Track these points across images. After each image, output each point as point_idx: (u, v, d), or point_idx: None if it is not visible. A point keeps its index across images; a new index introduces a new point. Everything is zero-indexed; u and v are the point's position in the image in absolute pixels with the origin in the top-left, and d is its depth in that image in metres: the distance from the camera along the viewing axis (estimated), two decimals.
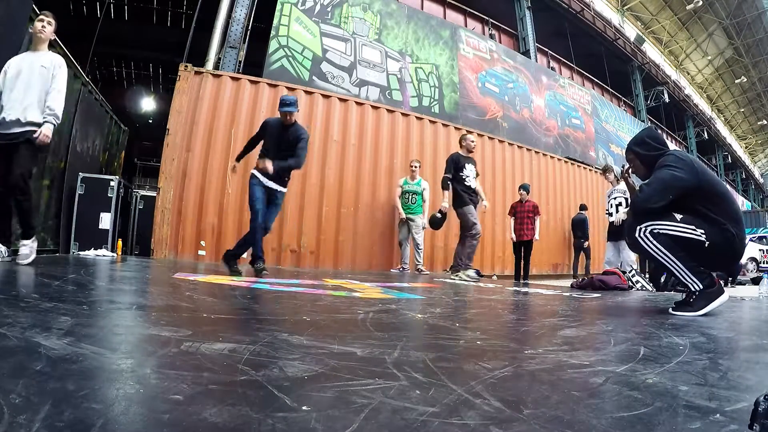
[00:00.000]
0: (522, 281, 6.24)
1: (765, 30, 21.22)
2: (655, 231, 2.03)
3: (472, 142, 5.06)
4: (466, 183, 4.86)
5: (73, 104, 5.06)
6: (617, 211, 5.08)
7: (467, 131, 5.34)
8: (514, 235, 6.73)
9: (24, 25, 3.67)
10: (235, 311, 1.83)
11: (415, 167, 6.06)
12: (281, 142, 3.63)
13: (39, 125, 2.83)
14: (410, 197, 5.98)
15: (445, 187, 4.86)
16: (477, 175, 5.04)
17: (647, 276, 4.54)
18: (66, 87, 3.04)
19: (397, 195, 6.05)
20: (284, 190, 3.76)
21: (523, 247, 6.78)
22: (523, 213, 6.65)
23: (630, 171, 2.35)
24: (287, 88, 6.18)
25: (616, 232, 5.04)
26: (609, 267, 4.84)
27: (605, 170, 5.68)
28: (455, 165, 4.88)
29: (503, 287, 3.95)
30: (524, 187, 6.77)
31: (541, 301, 2.93)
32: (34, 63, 2.92)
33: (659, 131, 2.43)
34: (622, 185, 4.99)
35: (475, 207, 4.90)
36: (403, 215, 5.93)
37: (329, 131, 6.28)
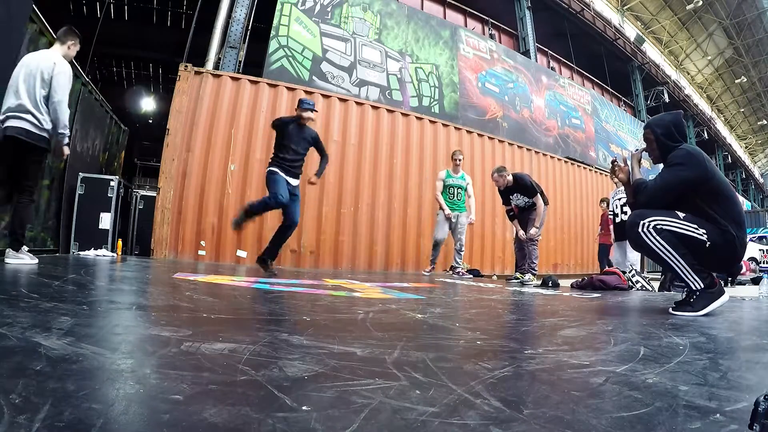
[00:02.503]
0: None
1: (765, 30, 21.22)
2: (658, 227, 2.01)
3: (499, 178, 4.86)
4: (514, 212, 5.02)
5: (74, 104, 5.06)
6: (622, 212, 5.07)
7: (496, 167, 5.08)
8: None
9: (24, 25, 3.67)
10: (235, 311, 1.83)
11: (459, 160, 5.42)
12: (300, 140, 3.93)
13: None
14: (456, 192, 5.38)
15: (510, 220, 5.09)
16: (527, 203, 4.87)
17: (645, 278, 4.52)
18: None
19: (439, 190, 5.40)
20: (298, 182, 3.98)
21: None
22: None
23: (616, 169, 2.34)
24: (287, 88, 6.19)
25: (622, 233, 5.03)
26: (617, 267, 4.83)
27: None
28: (503, 198, 5.06)
29: (503, 287, 3.95)
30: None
31: (541, 301, 2.93)
32: None
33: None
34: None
35: (523, 226, 4.93)
36: (449, 212, 5.30)
37: (329, 131, 6.28)
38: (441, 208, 5.37)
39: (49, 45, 4.29)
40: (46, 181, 4.58)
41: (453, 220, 5.35)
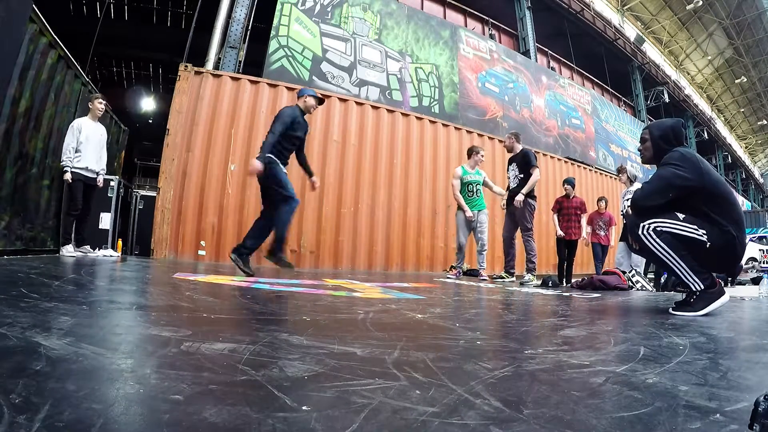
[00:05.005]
0: (566, 285, 5.39)
1: (765, 30, 21.22)
2: (658, 229, 2.01)
3: (507, 138, 5.02)
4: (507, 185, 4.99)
5: (74, 104, 5.06)
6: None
7: (513, 131, 5.15)
8: (561, 232, 6.11)
9: (24, 25, 3.66)
10: (235, 311, 1.83)
11: (482, 157, 5.14)
12: (304, 131, 3.73)
13: (97, 173, 4.68)
14: (475, 189, 5.04)
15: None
16: (521, 173, 4.74)
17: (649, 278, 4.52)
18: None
19: (457, 189, 5.02)
20: None
21: (567, 247, 6.24)
22: (570, 210, 6.08)
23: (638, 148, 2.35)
24: (287, 88, 6.19)
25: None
26: (618, 267, 4.82)
27: (619, 171, 5.49)
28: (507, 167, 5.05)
29: (503, 287, 3.95)
30: (569, 182, 6.14)
31: (541, 301, 2.93)
32: (97, 132, 4.65)
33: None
34: (636, 186, 4.96)
35: (508, 212, 4.88)
36: (470, 214, 4.91)
37: (329, 131, 6.29)
38: (460, 208, 5.01)
39: (50, 45, 4.32)
40: (46, 181, 4.58)
41: (474, 220, 4.97)
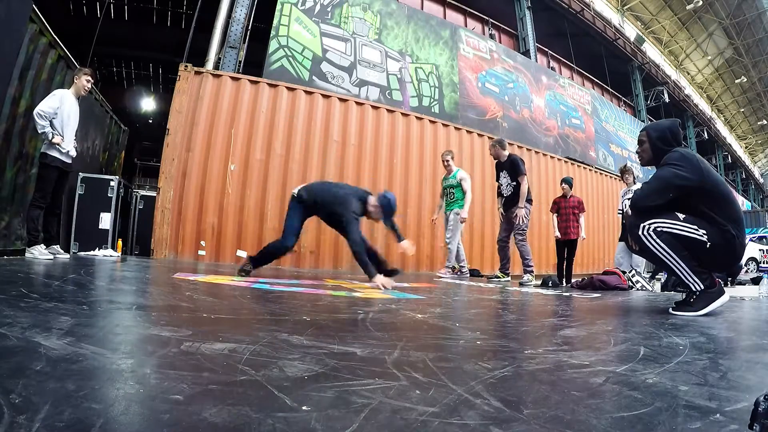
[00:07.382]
0: (566, 285, 5.36)
1: (765, 30, 21.22)
2: (658, 229, 2.01)
3: (491, 147, 5.06)
4: (500, 190, 5.00)
5: None
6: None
7: (496, 138, 5.26)
8: (559, 233, 6.14)
9: (24, 25, 3.66)
10: (235, 311, 1.83)
11: (446, 161, 5.44)
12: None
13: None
14: (448, 193, 5.44)
15: (497, 196, 5.16)
16: (513, 181, 4.78)
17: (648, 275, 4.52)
18: None
19: (440, 194, 5.65)
20: None
21: (566, 247, 6.21)
22: (567, 209, 6.07)
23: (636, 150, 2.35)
24: (287, 88, 6.18)
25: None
26: (618, 267, 4.82)
27: (623, 171, 5.49)
28: (496, 172, 5.09)
29: (503, 287, 3.94)
30: (567, 181, 6.15)
31: (541, 301, 2.93)
32: (76, 111, 3.89)
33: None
34: (637, 186, 4.96)
35: (505, 216, 4.90)
36: (433, 217, 5.63)
37: (329, 131, 6.28)
38: None
39: (50, 45, 4.31)
40: None
41: (435, 218, 5.64)
